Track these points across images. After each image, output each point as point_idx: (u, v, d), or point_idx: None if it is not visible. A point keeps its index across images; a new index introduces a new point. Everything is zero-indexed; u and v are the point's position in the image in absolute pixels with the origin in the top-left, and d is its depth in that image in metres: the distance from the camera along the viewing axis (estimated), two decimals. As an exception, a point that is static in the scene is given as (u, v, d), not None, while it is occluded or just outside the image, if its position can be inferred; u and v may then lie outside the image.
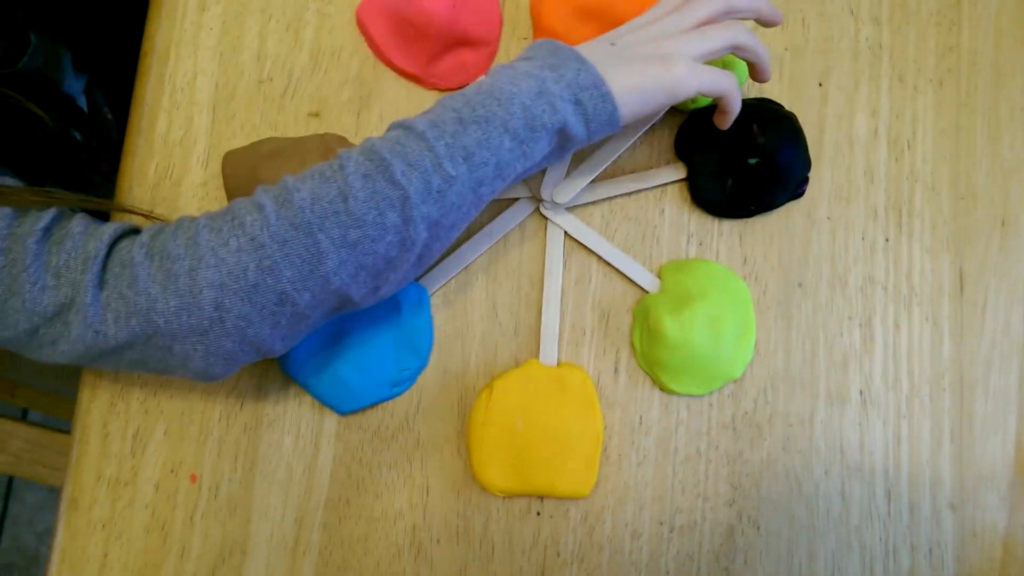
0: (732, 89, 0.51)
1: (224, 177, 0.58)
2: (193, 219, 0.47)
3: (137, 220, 0.57)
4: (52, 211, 0.47)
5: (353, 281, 0.46)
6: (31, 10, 0.65)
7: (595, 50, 0.49)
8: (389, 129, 0.48)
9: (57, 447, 0.90)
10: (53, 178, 0.75)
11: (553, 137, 0.48)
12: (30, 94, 0.66)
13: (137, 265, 0.45)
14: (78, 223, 0.48)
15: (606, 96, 0.47)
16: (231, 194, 0.58)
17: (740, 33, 0.51)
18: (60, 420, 1.17)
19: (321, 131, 0.60)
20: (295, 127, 0.60)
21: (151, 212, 0.58)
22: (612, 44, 0.50)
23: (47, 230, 0.46)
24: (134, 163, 0.60)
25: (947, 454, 0.58)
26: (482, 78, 0.49)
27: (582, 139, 0.49)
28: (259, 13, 0.61)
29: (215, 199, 0.59)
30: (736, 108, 0.53)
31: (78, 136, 0.76)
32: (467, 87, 0.48)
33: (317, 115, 0.60)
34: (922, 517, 0.58)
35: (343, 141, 0.59)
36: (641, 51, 0.50)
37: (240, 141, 0.60)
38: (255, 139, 0.59)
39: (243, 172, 0.57)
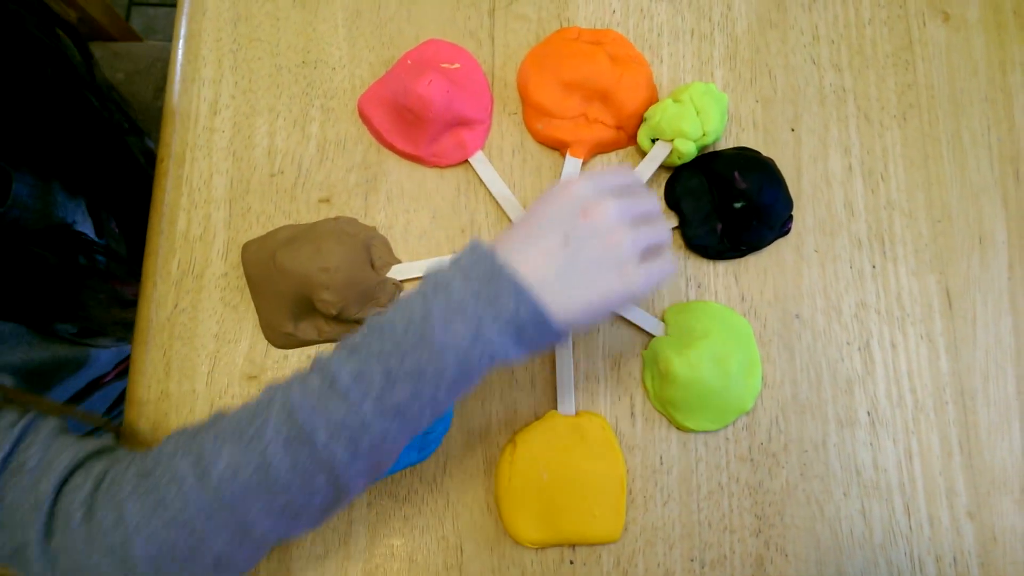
0: (669, 275, 0.50)
1: (244, 266, 0.61)
2: (127, 468, 0.47)
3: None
4: (16, 431, 0.47)
5: (293, 527, 0.46)
6: (7, 151, 0.62)
7: (545, 259, 0.46)
8: (312, 368, 0.45)
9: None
10: (60, 313, 0.72)
11: (490, 368, 0.46)
12: (22, 235, 0.64)
13: (75, 529, 0.45)
14: (34, 453, 0.47)
15: (548, 327, 0.45)
16: (252, 281, 0.61)
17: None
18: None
19: (332, 215, 0.63)
20: (307, 214, 0.64)
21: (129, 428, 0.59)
22: (566, 244, 0.46)
23: (5, 462, 0.46)
24: (157, 261, 0.63)
25: (958, 464, 0.61)
26: (413, 296, 0.45)
27: (524, 359, 0.48)
28: (267, 112, 0.65)
29: (236, 288, 0.62)
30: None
31: (83, 260, 0.76)
32: (397, 310, 0.45)
33: (327, 201, 0.64)
34: (942, 528, 0.59)
35: (354, 223, 0.63)
36: (594, 253, 0.46)
37: (257, 231, 0.63)
38: (271, 228, 0.63)
39: (262, 259, 0.60)
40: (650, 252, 0.48)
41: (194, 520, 0.44)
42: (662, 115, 0.60)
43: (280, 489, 0.43)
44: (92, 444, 0.50)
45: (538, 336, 0.45)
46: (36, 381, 0.70)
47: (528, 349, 0.45)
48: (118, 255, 0.77)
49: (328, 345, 0.61)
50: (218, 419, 0.46)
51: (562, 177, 0.63)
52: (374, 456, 0.45)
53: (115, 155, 0.74)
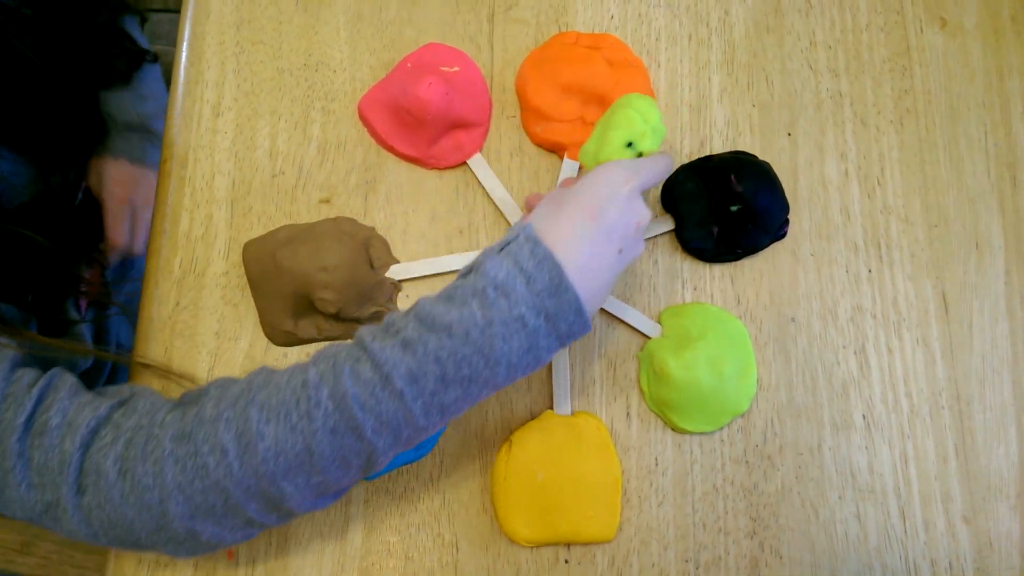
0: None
1: (245, 265, 0.62)
2: (162, 427, 0.47)
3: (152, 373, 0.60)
4: (36, 392, 0.48)
5: (320, 502, 0.49)
6: None
7: (600, 273, 0.47)
8: (362, 351, 0.45)
9: (87, 546, 0.91)
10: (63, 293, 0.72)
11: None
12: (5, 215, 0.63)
13: (111, 485, 0.46)
14: (57, 411, 0.47)
15: (586, 329, 0.47)
16: (252, 280, 0.62)
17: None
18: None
19: (332, 215, 0.64)
20: (308, 214, 0.65)
21: (168, 368, 0.61)
22: (619, 254, 0.49)
23: (28, 422, 0.47)
24: (159, 260, 0.64)
25: (954, 469, 0.61)
26: (472, 294, 0.45)
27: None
28: (269, 115, 0.66)
29: (237, 286, 0.63)
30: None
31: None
32: (453, 303, 0.45)
33: (328, 201, 0.65)
34: (937, 533, 0.59)
35: (353, 223, 0.63)
36: (627, 260, 0.50)
37: (258, 231, 0.64)
38: (272, 228, 0.64)
39: (263, 259, 0.61)
40: None
41: (233, 489, 0.45)
42: (600, 140, 0.56)
43: (319, 470, 0.45)
44: (112, 397, 0.50)
45: (573, 337, 0.46)
46: None
47: (560, 347, 0.47)
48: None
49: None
50: (265, 384, 0.47)
51: (560, 180, 0.64)
52: (409, 444, 0.47)
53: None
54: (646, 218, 0.50)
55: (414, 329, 0.45)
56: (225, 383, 0.49)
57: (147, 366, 0.61)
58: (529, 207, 0.61)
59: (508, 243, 0.47)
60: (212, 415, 0.46)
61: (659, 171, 0.53)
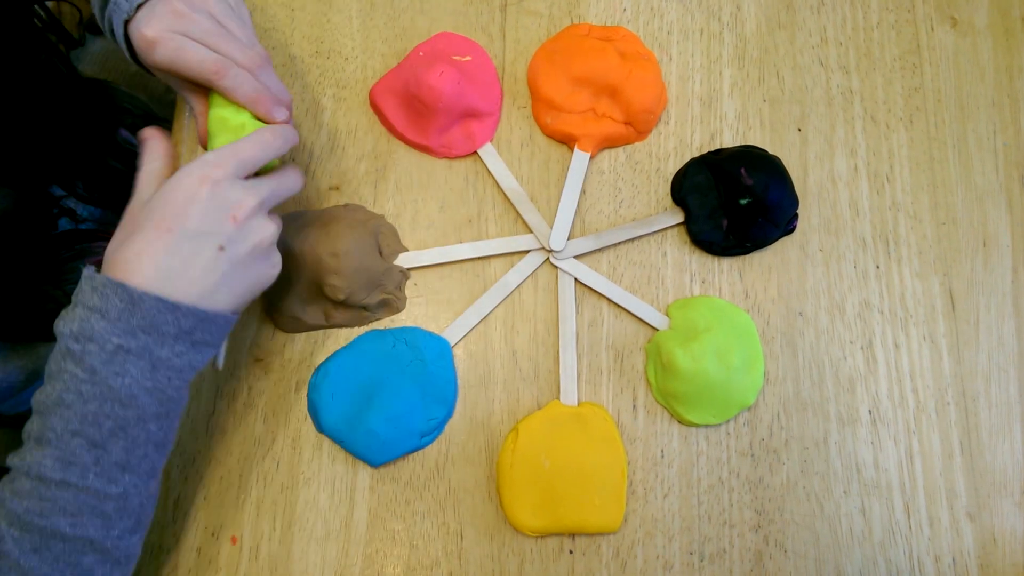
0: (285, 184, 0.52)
1: (254, 251, 0.62)
2: None
3: None
4: None
5: None
6: None
7: (205, 274, 0.46)
8: (13, 479, 0.44)
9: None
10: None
11: (188, 380, 0.47)
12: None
13: None
14: None
15: (217, 322, 0.46)
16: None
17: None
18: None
19: (342, 203, 0.64)
20: (317, 201, 0.65)
21: None
22: (222, 251, 0.46)
23: None
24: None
25: (959, 465, 0.61)
26: (62, 363, 0.44)
27: (211, 354, 0.49)
28: (280, 100, 0.66)
29: (245, 272, 0.63)
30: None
31: (68, 225, 0.74)
32: (55, 381, 0.43)
33: (337, 188, 0.65)
34: (942, 528, 0.59)
35: (363, 210, 0.63)
36: (248, 251, 0.48)
37: (267, 217, 0.64)
38: (282, 214, 0.63)
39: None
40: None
41: None
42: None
43: None
44: None
45: (213, 332, 0.46)
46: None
47: (209, 346, 0.47)
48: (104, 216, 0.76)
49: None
50: None
51: (570, 172, 0.64)
52: (129, 513, 0.46)
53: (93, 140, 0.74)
54: (246, 205, 0.47)
55: (36, 422, 0.44)
56: None
57: None
58: None
59: (76, 290, 0.45)
60: None
61: (256, 149, 0.49)
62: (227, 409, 0.61)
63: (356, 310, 0.61)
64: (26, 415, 0.46)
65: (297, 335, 0.62)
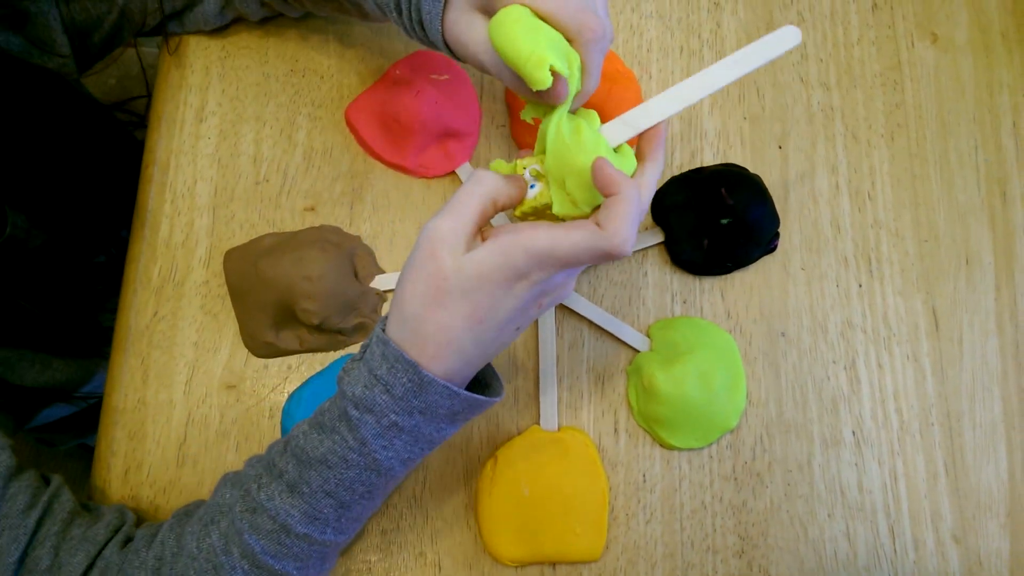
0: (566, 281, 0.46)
1: (226, 274, 0.61)
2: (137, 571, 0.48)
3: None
4: (30, 522, 0.47)
5: None
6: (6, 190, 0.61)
7: (496, 346, 0.44)
8: (254, 510, 0.45)
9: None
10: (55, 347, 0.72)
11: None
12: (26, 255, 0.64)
13: None
14: (48, 551, 0.47)
15: (480, 403, 0.45)
16: (233, 290, 0.60)
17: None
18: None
19: (317, 224, 0.63)
20: (292, 222, 0.63)
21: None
22: (516, 329, 0.45)
23: (21, 559, 0.47)
24: (138, 268, 0.63)
25: (944, 487, 0.60)
26: (339, 419, 0.44)
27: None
28: (254, 120, 0.65)
29: (217, 296, 0.62)
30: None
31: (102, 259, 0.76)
32: (325, 433, 0.44)
33: (312, 209, 0.64)
34: (927, 551, 0.59)
35: (338, 232, 0.62)
36: (542, 310, 0.46)
37: (240, 239, 0.63)
38: (254, 236, 0.62)
39: (244, 267, 0.60)
40: None
41: None
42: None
43: None
44: (104, 528, 0.50)
45: (471, 411, 0.45)
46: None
47: (463, 422, 0.46)
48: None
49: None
50: (177, 555, 0.47)
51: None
52: (344, 547, 0.50)
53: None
54: (558, 294, 0.45)
55: (294, 468, 0.45)
56: (160, 540, 0.49)
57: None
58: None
59: (368, 345, 0.45)
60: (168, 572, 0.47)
61: (572, 243, 0.41)
62: (199, 437, 0.59)
63: (331, 334, 0.60)
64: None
65: (271, 360, 0.61)
